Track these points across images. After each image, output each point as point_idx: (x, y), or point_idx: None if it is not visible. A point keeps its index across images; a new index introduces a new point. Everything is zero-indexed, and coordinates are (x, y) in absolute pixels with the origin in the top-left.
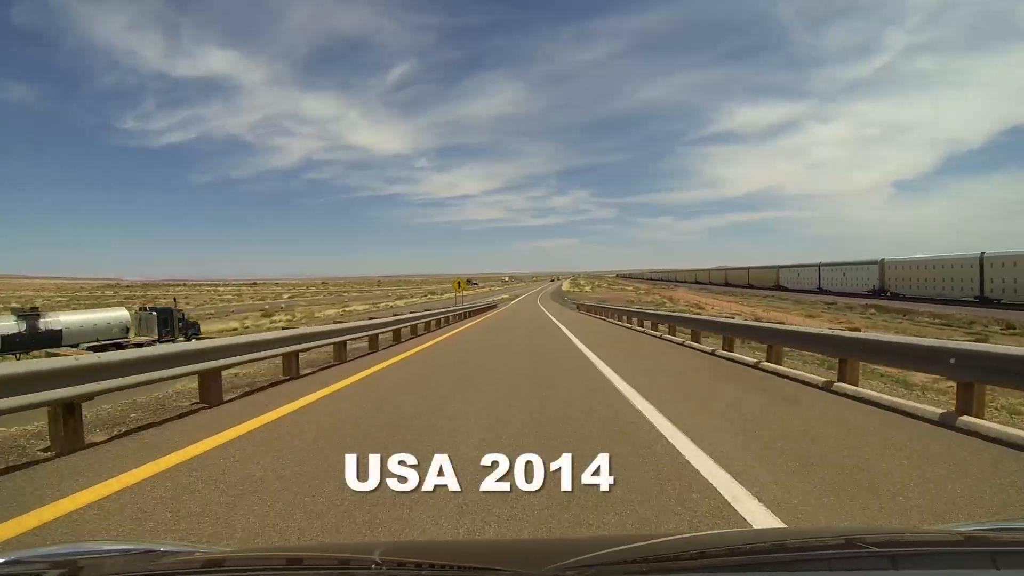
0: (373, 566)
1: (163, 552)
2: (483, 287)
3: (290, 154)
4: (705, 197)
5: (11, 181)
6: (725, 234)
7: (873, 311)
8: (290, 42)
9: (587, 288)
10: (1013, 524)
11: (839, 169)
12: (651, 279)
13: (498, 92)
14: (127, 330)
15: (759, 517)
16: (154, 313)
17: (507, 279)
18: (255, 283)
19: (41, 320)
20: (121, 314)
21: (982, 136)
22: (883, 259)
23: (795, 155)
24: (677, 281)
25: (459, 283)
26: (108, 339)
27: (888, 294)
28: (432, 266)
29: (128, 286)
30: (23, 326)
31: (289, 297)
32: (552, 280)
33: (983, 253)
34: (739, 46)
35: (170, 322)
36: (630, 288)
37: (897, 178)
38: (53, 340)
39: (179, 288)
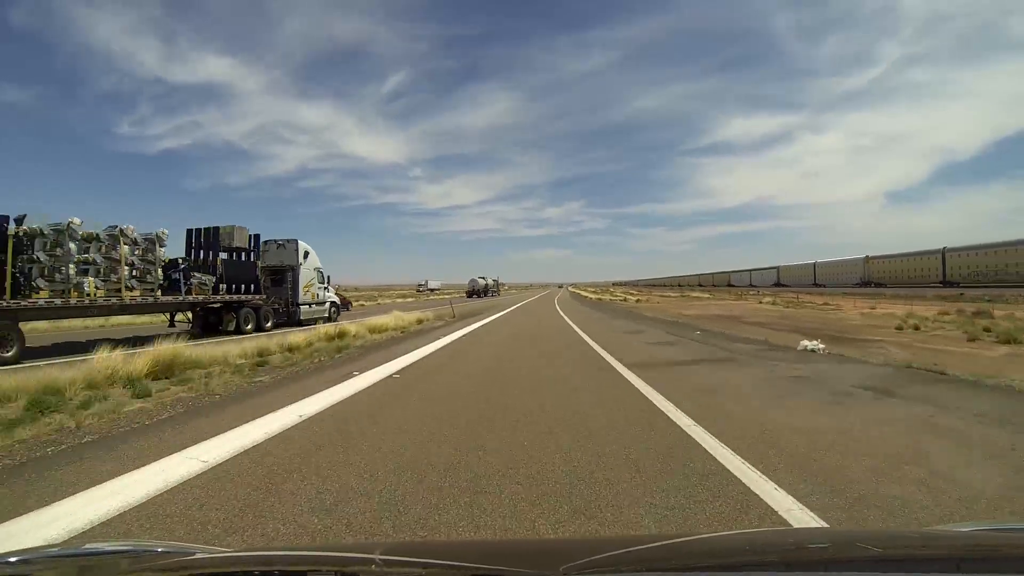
0: (373, 566)
1: (163, 552)
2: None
3: (285, 162)
4: (698, 207)
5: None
6: (719, 244)
7: None
8: (287, 51)
9: (627, 297)
10: (1013, 524)
11: (832, 179)
12: (643, 286)
13: (492, 102)
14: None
15: None
16: (486, 281)
17: (430, 288)
18: None
19: (487, 281)
20: (489, 281)
21: (975, 147)
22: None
23: (788, 166)
24: (665, 286)
25: None
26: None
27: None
28: (428, 275)
29: None
30: (486, 281)
31: None
32: (561, 287)
33: None
34: (734, 58)
35: (497, 284)
36: (699, 296)
37: (890, 188)
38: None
39: None
